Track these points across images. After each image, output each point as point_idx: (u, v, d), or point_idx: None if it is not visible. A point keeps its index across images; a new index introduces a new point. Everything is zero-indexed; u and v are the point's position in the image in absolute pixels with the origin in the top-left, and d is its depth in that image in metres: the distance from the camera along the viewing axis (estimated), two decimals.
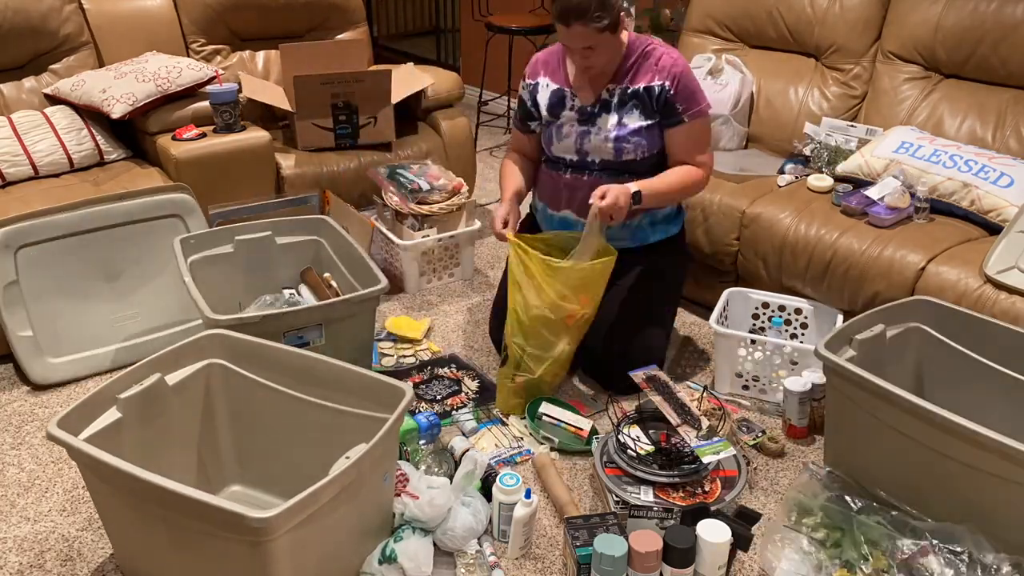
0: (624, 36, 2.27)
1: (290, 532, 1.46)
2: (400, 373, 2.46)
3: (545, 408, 2.22)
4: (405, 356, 2.55)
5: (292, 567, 1.51)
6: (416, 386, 2.34)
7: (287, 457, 1.91)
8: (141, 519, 1.59)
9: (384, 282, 2.22)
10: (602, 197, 2.12)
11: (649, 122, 2.27)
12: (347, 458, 1.56)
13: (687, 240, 2.58)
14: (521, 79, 2.47)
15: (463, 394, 2.35)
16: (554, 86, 2.35)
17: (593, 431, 2.16)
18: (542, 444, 2.17)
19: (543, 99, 2.37)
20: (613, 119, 2.28)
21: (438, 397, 2.31)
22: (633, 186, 2.18)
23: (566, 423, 2.18)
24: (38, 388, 2.39)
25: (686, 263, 2.54)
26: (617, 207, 2.12)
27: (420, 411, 2.20)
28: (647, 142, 2.27)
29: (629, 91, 2.27)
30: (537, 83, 2.39)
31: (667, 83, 2.24)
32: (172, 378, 1.84)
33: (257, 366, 1.90)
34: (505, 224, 2.26)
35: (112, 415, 1.72)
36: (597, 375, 2.42)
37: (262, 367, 1.89)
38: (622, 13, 2.17)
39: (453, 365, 2.49)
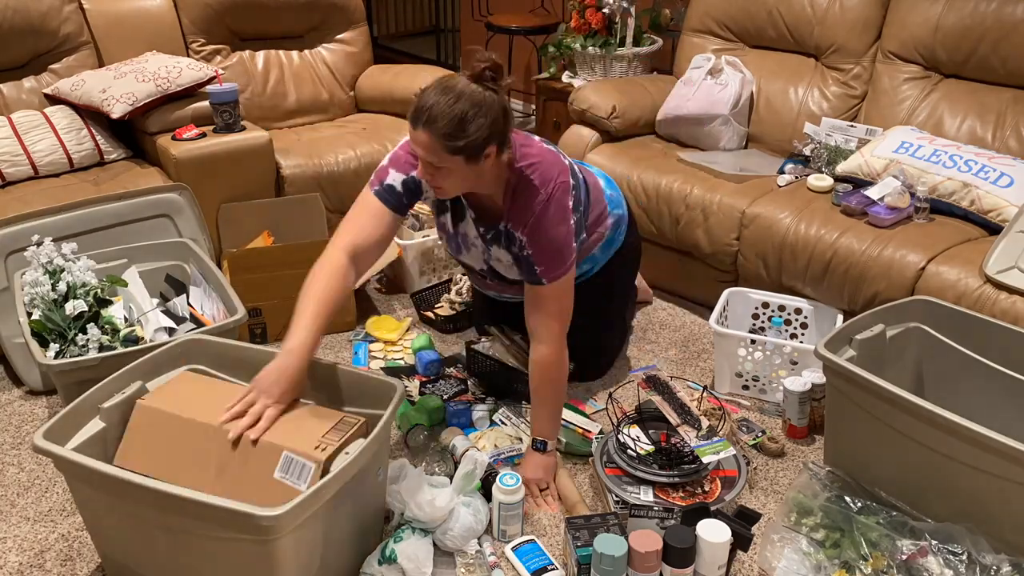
0: (496, 165, 1.81)
1: (294, 530, 1.46)
2: (406, 371, 2.47)
3: None
4: (395, 356, 2.56)
5: (296, 565, 1.52)
6: (423, 384, 2.35)
7: None
8: (137, 527, 1.58)
9: (242, 312, 2.06)
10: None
11: (517, 258, 1.95)
12: (347, 454, 1.56)
13: (632, 237, 2.38)
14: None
15: (469, 393, 2.35)
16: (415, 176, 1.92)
17: (600, 433, 2.16)
18: None
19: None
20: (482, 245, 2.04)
21: (444, 396, 2.31)
22: (549, 447, 1.99)
23: (575, 425, 2.18)
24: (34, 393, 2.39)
25: (632, 263, 2.43)
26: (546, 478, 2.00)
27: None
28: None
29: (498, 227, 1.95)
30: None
31: (524, 238, 1.87)
32: (153, 385, 1.82)
33: (238, 369, 1.88)
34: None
35: (96, 425, 1.70)
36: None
37: (243, 370, 1.86)
38: (492, 147, 1.74)
39: (459, 364, 2.49)
